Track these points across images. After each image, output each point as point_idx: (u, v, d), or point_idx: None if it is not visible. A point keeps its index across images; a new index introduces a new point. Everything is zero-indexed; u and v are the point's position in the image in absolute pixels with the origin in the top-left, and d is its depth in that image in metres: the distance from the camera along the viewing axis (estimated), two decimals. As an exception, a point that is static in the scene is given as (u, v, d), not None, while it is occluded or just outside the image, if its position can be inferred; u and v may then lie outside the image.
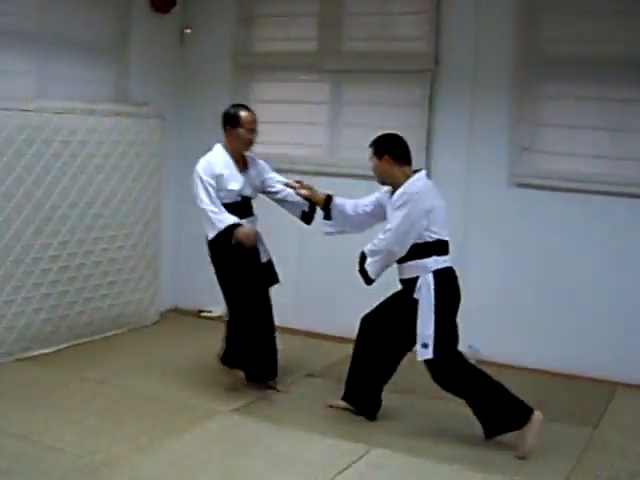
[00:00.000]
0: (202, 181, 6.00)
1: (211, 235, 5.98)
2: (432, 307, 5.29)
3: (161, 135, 7.76)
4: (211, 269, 8.03)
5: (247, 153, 6.24)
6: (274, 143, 7.86)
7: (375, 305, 5.74)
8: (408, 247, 5.33)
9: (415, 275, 5.38)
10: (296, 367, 6.75)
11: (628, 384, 6.57)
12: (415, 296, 5.37)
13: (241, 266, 6.05)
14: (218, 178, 6.00)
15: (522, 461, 5.13)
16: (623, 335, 6.65)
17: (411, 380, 6.26)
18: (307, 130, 7.79)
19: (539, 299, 6.90)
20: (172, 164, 8.08)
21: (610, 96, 6.61)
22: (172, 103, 8.05)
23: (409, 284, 5.43)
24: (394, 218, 5.34)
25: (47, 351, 6.87)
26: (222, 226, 5.92)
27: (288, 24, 7.85)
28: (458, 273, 7.03)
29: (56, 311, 6.93)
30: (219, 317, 8.13)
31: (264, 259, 6.33)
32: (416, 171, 5.51)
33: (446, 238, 5.44)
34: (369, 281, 5.49)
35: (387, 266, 5.44)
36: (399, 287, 5.59)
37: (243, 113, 6.09)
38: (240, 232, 5.94)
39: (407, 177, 5.43)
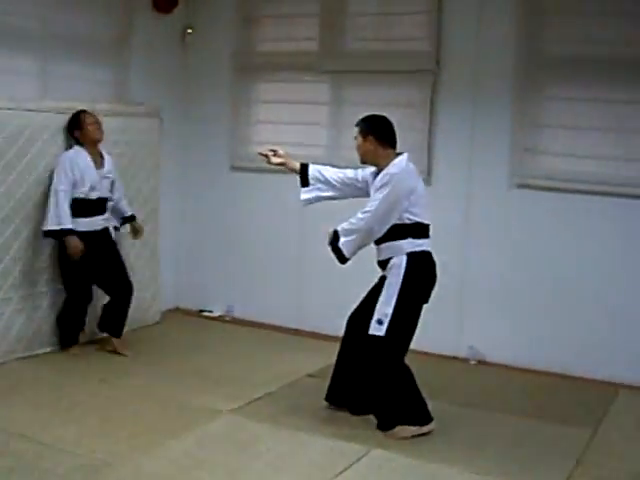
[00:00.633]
0: (59, 177, 6.55)
1: (46, 228, 6.57)
2: (398, 286, 5.36)
3: (160, 135, 7.75)
4: (211, 268, 8.11)
5: (104, 152, 6.88)
6: (275, 143, 7.83)
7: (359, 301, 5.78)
8: (387, 227, 5.38)
9: (390, 256, 5.45)
10: (296, 367, 6.76)
11: (630, 385, 6.57)
12: (385, 274, 5.47)
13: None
14: (75, 176, 6.61)
15: (522, 463, 5.12)
16: (625, 336, 6.65)
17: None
18: (308, 130, 7.79)
19: (540, 300, 6.90)
20: (172, 164, 8.08)
21: (612, 97, 6.60)
22: (173, 103, 8.05)
23: (384, 266, 5.52)
24: (375, 198, 5.37)
25: (47, 350, 6.87)
26: (58, 227, 6.52)
27: (289, 24, 7.85)
28: (459, 273, 7.09)
29: (56, 310, 6.92)
30: (220, 317, 8.17)
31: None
32: (398, 154, 5.53)
33: (426, 222, 5.49)
34: (343, 259, 5.50)
35: (364, 245, 5.48)
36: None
37: (83, 115, 6.73)
38: (70, 243, 6.57)
39: (390, 159, 5.47)
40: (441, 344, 7.19)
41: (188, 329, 7.89)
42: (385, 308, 5.36)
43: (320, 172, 5.88)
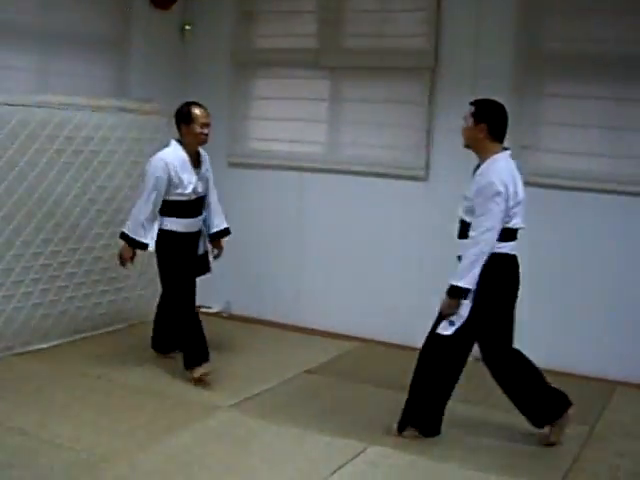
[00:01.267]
0: (155, 179, 6.12)
1: (121, 234, 6.34)
2: (475, 290, 5.06)
3: (166, 132, 7.73)
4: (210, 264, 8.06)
5: (200, 150, 6.39)
6: (274, 140, 7.88)
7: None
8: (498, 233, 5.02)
9: None
10: (294, 363, 6.76)
11: (627, 383, 6.58)
12: None
13: (178, 257, 6.33)
14: (173, 178, 6.13)
15: (519, 460, 5.13)
16: (623, 334, 6.65)
17: (407, 377, 6.27)
18: (307, 127, 7.79)
19: (538, 297, 6.89)
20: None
21: (611, 94, 6.61)
22: (172, 99, 8.00)
23: None
24: (478, 214, 5.02)
25: (46, 346, 6.88)
26: (134, 236, 6.23)
27: (288, 21, 7.85)
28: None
29: (56, 306, 6.94)
30: (218, 313, 8.17)
31: (201, 251, 6.60)
32: (505, 148, 5.24)
33: (515, 226, 5.13)
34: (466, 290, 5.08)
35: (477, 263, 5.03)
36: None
37: (196, 109, 6.21)
38: (125, 252, 6.35)
39: (493, 153, 5.14)
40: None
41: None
42: (461, 311, 5.08)
43: None
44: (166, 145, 6.28)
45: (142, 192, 6.20)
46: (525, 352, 6.89)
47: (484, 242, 5.00)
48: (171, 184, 6.12)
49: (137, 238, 6.21)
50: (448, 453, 5.17)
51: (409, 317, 7.33)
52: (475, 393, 6.28)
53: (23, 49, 6.80)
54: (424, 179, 7.25)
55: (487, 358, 5.40)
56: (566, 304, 6.83)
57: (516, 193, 5.08)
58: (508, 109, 6.84)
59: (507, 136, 6.86)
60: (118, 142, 7.26)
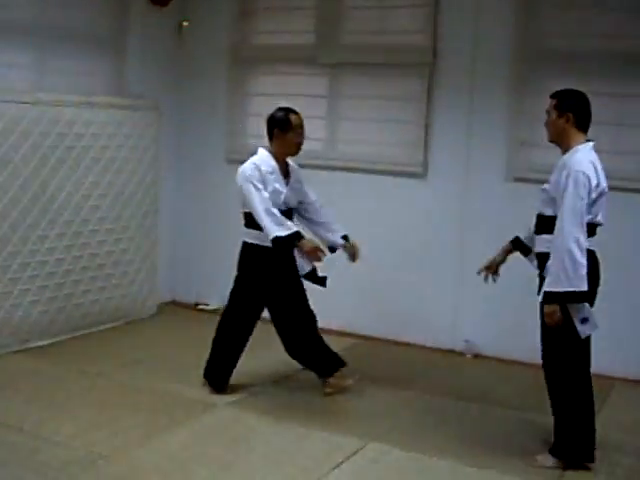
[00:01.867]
0: (254, 186, 5.67)
1: (269, 240, 5.64)
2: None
3: (158, 128, 7.75)
4: (207, 262, 8.07)
5: (289, 160, 5.97)
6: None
7: None
8: (584, 228, 4.77)
9: (547, 250, 4.93)
10: (292, 361, 6.73)
11: (626, 379, 6.58)
12: (544, 274, 4.94)
13: (287, 275, 5.91)
14: (265, 187, 5.70)
15: (517, 457, 5.12)
16: (621, 330, 6.65)
17: (408, 375, 6.28)
18: (305, 123, 7.76)
19: (536, 294, 6.88)
20: (169, 157, 8.08)
21: (609, 91, 6.59)
22: (169, 96, 8.04)
23: (541, 259, 5.03)
24: (564, 208, 4.77)
25: (44, 343, 6.87)
26: (285, 233, 5.61)
27: (286, 17, 7.84)
28: (455, 267, 7.09)
29: (53, 303, 6.93)
30: (216, 310, 8.15)
31: (305, 271, 6.02)
32: (589, 141, 5.01)
33: (597, 221, 4.95)
34: (585, 294, 4.78)
35: (584, 255, 4.74)
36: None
37: (294, 117, 5.82)
38: (307, 246, 5.72)
39: (577, 144, 4.93)
40: (437, 338, 7.20)
41: (184, 322, 7.89)
42: (582, 305, 4.80)
43: (528, 237, 5.42)
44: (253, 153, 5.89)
45: (249, 204, 5.71)
46: (522, 348, 6.95)
47: (572, 235, 4.73)
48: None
49: (290, 232, 5.63)
50: (447, 450, 5.17)
51: (407, 314, 7.33)
52: (472, 390, 6.29)
53: (19, 46, 6.78)
54: (422, 176, 7.24)
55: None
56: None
57: (597, 186, 4.86)
58: (506, 105, 6.89)
59: (504, 131, 6.92)
60: (110, 138, 7.26)
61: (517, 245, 5.52)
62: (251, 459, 4.93)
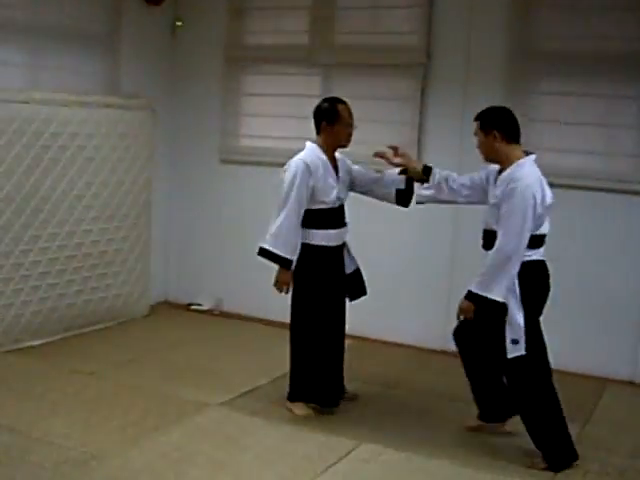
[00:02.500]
0: (295, 185, 5.47)
1: (259, 248, 5.59)
2: (518, 298, 4.94)
3: (152, 128, 7.73)
4: (201, 262, 8.07)
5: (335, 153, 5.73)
6: (265, 136, 7.87)
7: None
8: (526, 241, 4.86)
9: None
10: (285, 361, 6.72)
11: (618, 380, 6.59)
12: None
13: (325, 275, 5.68)
14: (317, 183, 5.52)
15: (511, 457, 5.13)
16: (613, 331, 6.66)
17: (401, 374, 6.27)
18: (298, 124, 7.75)
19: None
20: (162, 157, 8.07)
21: (603, 92, 6.61)
22: (163, 95, 8.03)
23: None
24: (505, 220, 4.87)
25: (36, 343, 6.86)
26: (280, 253, 5.50)
27: (280, 17, 7.83)
28: (448, 266, 7.10)
29: (46, 303, 6.93)
30: (208, 311, 8.15)
31: (350, 270, 5.90)
32: (527, 152, 5.07)
33: (544, 231, 5.04)
34: (502, 305, 4.93)
35: (513, 273, 4.89)
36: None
37: (341, 106, 5.59)
38: (282, 278, 5.62)
39: (515, 157, 4.98)
40: (429, 338, 7.19)
41: (177, 322, 7.87)
42: (515, 325, 4.94)
43: (446, 175, 5.44)
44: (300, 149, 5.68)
45: (282, 201, 5.49)
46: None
47: (511, 247, 4.85)
48: (314, 190, 5.49)
49: (282, 254, 5.50)
50: (440, 450, 5.17)
51: (406, 315, 7.33)
52: (465, 390, 6.28)
53: (12, 44, 6.77)
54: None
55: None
56: (557, 302, 6.80)
57: (544, 199, 4.93)
58: (499, 105, 6.87)
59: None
60: (104, 138, 7.24)
61: (427, 172, 5.48)
62: (244, 459, 4.93)
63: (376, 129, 7.40)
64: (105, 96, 7.39)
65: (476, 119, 5.14)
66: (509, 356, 4.96)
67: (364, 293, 5.98)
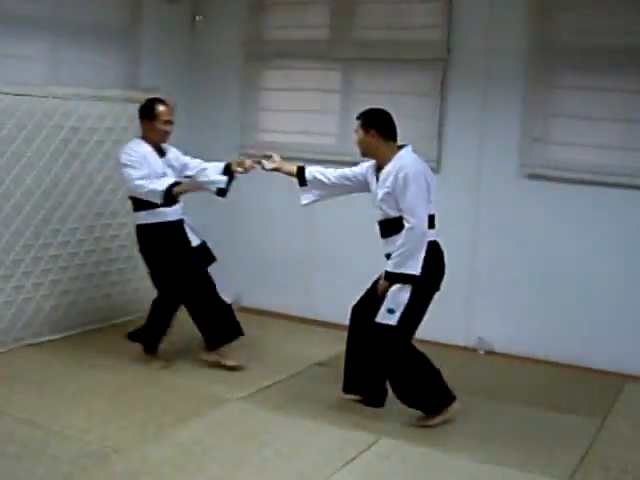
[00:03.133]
0: (129, 162, 6.13)
1: (160, 200, 6.09)
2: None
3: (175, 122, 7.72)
4: (219, 257, 8.03)
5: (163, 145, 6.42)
6: (285, 131, 7.87)
7: (363, 291, 5.73)
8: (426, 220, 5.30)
9: None
10: (305, 356, 6.76)
11: (637, 376, 6.55)
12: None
13: (177, 252, 6.35)
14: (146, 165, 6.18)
15: (530, 453, 5.11)
16: (633, 328, 6.63)
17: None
18: (318, 118, 7.77)
19: (550, 291, 6.88)
20: (180, 151, 8.04)
21: (624, 87, 6.57)
22: (183, 90, 8.02)
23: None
24: (408, 203, 5.26)
25: (56, 337, 6.88)
26: (163, 187, 6.07)
27: (300, 12, 7.82)
28: (468, 263, 7.08)
29: (65, 297, 6.95)
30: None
31: (195, 243, 6.53)
32: (400, 147, 5.48)
33: (432, 212, 5.40)
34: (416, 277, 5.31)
35: (423, 246, 5.28)
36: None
37: (160, 107, 6.27)
38: (181, 188, 6.20)
39: (393, 153, 5.42)
40: (450, 334, 7.18)
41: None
42: (398, 297, 5.28)
43: (317, 173, 5.84)
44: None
45: (131, 180, 6.13)
46: (535, 345, 6.93)
47: (422, 227, 5.26)
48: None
49: (165, 186, 6.11)
50: (459, 445, 5.16)
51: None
52: (485, 386, 6.28)
53: (33, 39, 6.78)
54: (436, 171, 7.18)
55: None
56: (577, 297, 6.80)
57: (431, 180, 5.41)
58: (520, 101, 6.87)
59: (518, 127, 6.89)
60: (123, 132, 7.23)
61: (301, 173, 5.92)
62: (263, 454, 4.93)
63: (397, 123, 7.38)
64: (126, 90, 7.39)
65: (357, 118, 5.56)
66: (378, 320, 5.34)
67: (214, 260, 6.66)
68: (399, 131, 7.16)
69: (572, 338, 6.82)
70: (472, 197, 7.08)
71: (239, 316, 7.78)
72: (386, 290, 5.36)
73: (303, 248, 7.83)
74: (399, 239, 5.29)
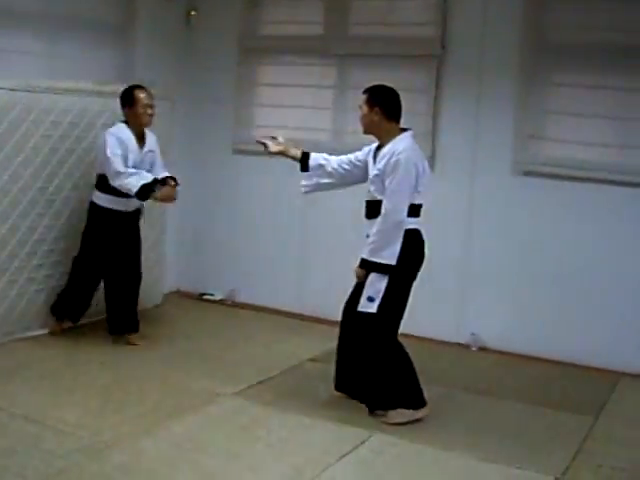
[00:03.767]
0: (113, 150, 6.36)
1: (133, 195, 6.37)
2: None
3: (171, 118, 7.71)
4: (213, 252, 8.08)
5: (147, 131, 6.67)
6: (279, 126, 7.84)
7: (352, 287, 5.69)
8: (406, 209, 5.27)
9: None
10: (298, 351, 6.77)
11: (631, 374, 6.57)
12: None
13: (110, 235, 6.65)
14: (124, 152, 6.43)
15: (523, 449, 5.12)
16: (626, 325, 6.64)
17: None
18: (312, 114, 7.77)
19: (543, 287, 6.89)
20: (176, 147, 8.05)
21: (617, 84, 6.59)
22: (178, 85, 8.02)
23: None
24: (390, 188, 5.25)
25: (48, 331, 6.87)
26: (142, 183, 6.36)
27: (294, 7, 7.82)
28: (461, 259, 7.09)
29: (56, 291, 6.90)
30: (221, 300, 8.16)
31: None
32: (403, 130, 5.45)
33: (418, 202, 5.37)
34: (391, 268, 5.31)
35: (400, 235, 5.26)
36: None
37: (139, 93, 6.51)
38: (163, 193, 6.54)
39: (394, 134, 5.39)
40: (443, 330, 7.19)
41: (190, 312, 7.88)
42: (377, 285, 5.31)
43: (321, 159, 5.81)
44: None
45: (109, 162, 6.37)
46: (528, 342, 6.95)
47: (398, 215, 5.24)
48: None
49: (143, 182, 6.38)
50: (452, 442, 5.17)
51: (413, 305, 7.31)
52: (478, 382, 6.29)
53: (29, 33, 6.77)
54: (430, 167, 7.20)
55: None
56: (571, 294, 6.81)
57: (424, 170, 5.36)
58: (514, 97, 6.88)
59: (512, 124, 6.90)
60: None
61: (304, 159, 5.87)
62: (257, 449, 4.93)
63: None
64: (122, 85, 7.37)
65: (364, 92, 5.49)
66: (359, 309, 5.38)
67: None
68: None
69: (565, 335, 6.83)
70: (466, 193, 7.09)
71: (233, 312, 7.85)
72: (364, 277, 5.37)
73: (298, 243, 7.83)
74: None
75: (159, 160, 6.79)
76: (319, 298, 7.68)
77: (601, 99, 6.67)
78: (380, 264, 5.28)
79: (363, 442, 5.08)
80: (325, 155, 5.84)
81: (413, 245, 5.37)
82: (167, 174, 6.74)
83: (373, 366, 5.45)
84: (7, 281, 6.54)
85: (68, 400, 5.50)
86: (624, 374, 6.57)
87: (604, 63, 6.61)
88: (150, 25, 7.70)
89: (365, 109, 5.43)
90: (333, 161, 5.78)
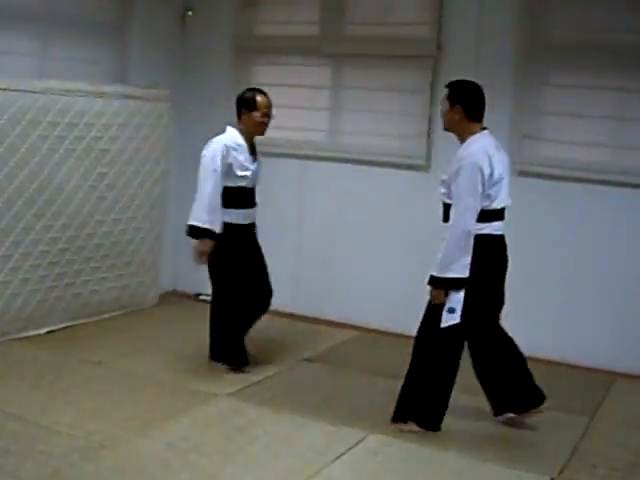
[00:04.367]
0: (211, 166, 5.94)
1: (191, 222, 5.94)
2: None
3: (170, 119, 7.70)
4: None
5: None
6: (274, 127, 7.81)
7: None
8: (477, 215, 5.01)
9: None
10: (294, 351, 6.76)
11: (626, 374, 6.57)
12: None
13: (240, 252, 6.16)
14: (231, 163, 5.96)
15: (518, 450, 5.13)
16: (622, 325, 6.65)
17: (407, 366, 6.26)
18: (308, 114, 7.77)
19: (538, 287, 6.89)
20: (172, 147, 8.06)
21: (613, 85, 6.59)
22: (173, 85, 8.01)
23: None
24: (455, 196, 5.01)
25: (42, 331, 6.87)
26: (201, 225, 5.89)
27: (290, 7, 7.82)
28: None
29: (53, 292, 6.92)
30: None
31: None
32: (484, 128, 5.19)
33: (499, 206, 5.15)
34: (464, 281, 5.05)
35: (469, 247, 5.01)
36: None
37: (259, 97, 6.06)
38: (201, 246, 5.97)
39: (472, 133, 5.12)
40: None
41: (185, 312, 7.87)
42: (456, 295, 5.05)
43: None
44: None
45: (201, 178, 6.00)
46: (523, 342, 6.91)
47: (463, 224, 4.99)
48: (231, 167, 5.97)
49: (208, 226, 5.88)
50: (447, 442, 5.17)
51: (408, 306, 7.30)
52: (474, 382, 6.27)
53: (23, 33, 6.76)
54: (425, 168, 7.22)
55: (472, 341, 5.37)
56: (566, 294, 6.81)
57: (491, 175, 5.05)
58: (509, 98, 6.87)
59: (507, 124, 6.89)
60: (121, 128, 7.23)
61: None
62: (252, 449, 4.93)
63: (385, 120, 7.41)
64: (123, 86, 7.37)
65: (447, 86, 5.27)
66: (442, 325, 5.09)
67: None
68: (390, 128, 7.22)
69: (561, 335, 6.83)
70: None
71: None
72: (440, 297, 5.09)
73: (293, 244, 7.83)
74: None
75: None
76: (315, 299, 7.68)
77: (597, 99, 6.68)
78: (452, 279, 5.03)
79: (358, 442, 5.08)
80: None
81: (487, 251, 5.11)
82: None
83: (429, 375, 5.26)
84: (2, 281, 6.54)
85: (63, 400, 5.49)
86: (620, 374, 6.58)
87: (600, 63, 6.62)
88: (145, 25, 7.70)
89: (446, 105, 5.20)
90: None
